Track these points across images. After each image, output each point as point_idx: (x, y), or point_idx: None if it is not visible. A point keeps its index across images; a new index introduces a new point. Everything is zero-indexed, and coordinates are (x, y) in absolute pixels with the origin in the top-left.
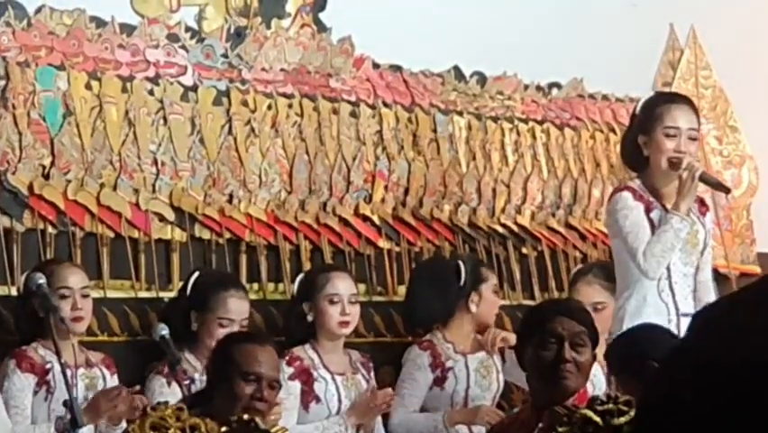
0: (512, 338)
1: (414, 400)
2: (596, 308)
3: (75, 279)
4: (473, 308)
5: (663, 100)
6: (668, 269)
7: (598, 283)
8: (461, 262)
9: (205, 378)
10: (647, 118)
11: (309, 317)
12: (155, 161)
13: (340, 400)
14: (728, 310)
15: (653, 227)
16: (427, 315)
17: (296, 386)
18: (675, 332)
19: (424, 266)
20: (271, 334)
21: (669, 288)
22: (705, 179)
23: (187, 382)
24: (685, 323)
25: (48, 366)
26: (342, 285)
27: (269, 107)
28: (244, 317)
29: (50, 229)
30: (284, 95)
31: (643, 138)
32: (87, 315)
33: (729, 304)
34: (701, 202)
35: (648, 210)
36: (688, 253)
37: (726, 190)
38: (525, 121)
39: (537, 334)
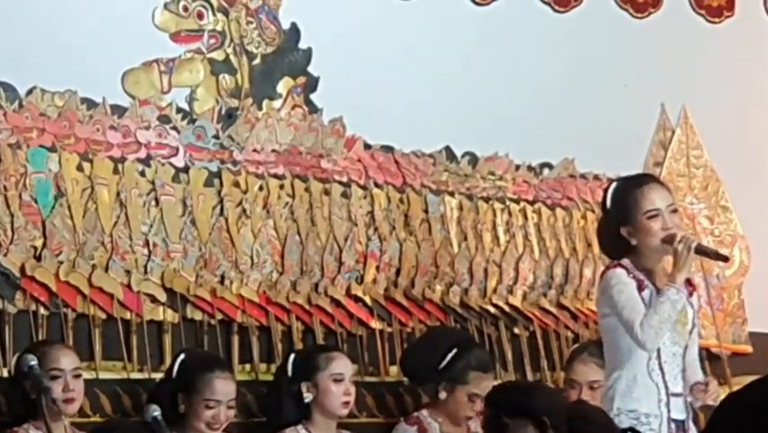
0: None
1: None
2: (592, 387)
3: (66, 360)
4: (442, 395)
5: (633, 185)
6: (657, 348)
7: (594, 362)
8: (454, 351)
9: None
10: (623, 208)
11: (308, 397)
12: (147, 243)
13: None
14: None
15: (645, 306)
16: (410, 368)
17: None
18: (665, 412)
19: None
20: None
21: (659, 367)
22: (701, 250)
23: None
24: (675, 403)
25: None
26: (345, 364)
27: (261, 188)
28: (231, 398)
29: (42, 310)
30: (275, 176)
31: (626, 229)
32: (79, 396)
33: None
34: (688, 282)
35: (640, 289)
36: (677, 333)
37: (725, 259)
38: (517, 201)
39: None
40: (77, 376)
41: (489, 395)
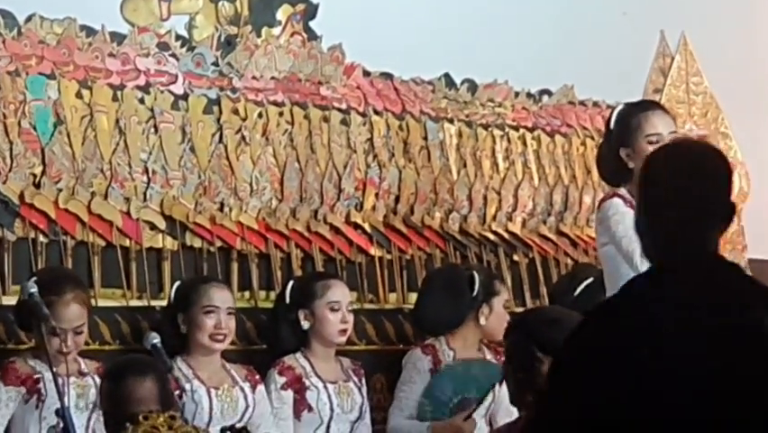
0: None
1: (411, 403)
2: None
3: None
4: (482, 320)
5: (639, 109)
6: None
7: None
8: (475, 273)
9: (197, 387)
10: (626, 130)
11: (305, 325)
12: (146, 170)
13: (332, 409)
14: None
15: None
16: (436, 322)
17: (288, 395)
18: None
19: (437, 273)
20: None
21: None
22: None
23: (178, 391)
24: None
25: (37, 376)
26: (342, 292)
27: (260, 116)
28: (229, 306)
29: (41, 238)
30: (275, 103)
31: (625, 150)
32: None
33: None
34: None
35: None
36: None
37: None
38: (516, 128)
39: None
40: None
41: (519, 321)
